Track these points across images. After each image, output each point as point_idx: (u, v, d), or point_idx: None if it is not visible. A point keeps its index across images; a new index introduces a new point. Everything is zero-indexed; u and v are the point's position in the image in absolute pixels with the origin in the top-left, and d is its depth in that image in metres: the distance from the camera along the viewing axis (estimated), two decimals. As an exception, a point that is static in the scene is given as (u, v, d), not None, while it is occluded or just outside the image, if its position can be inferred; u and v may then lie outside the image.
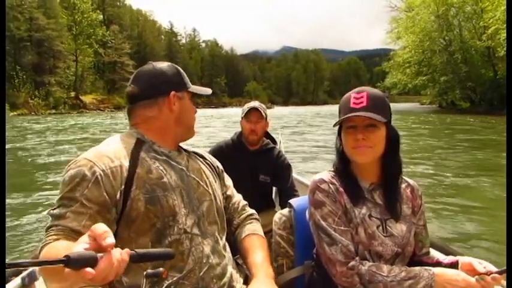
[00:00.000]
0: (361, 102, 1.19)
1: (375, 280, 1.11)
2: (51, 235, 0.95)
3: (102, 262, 0.69)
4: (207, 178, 1.25)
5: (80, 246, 0.70)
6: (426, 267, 1.13)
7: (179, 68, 1.26)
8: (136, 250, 0.78)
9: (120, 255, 0.73)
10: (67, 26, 57.07)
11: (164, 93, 1.18)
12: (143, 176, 1.08)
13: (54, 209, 1.00)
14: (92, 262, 0.67)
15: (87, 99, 55.71)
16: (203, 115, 36.67)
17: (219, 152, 2.39)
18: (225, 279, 1.13)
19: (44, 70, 50.71)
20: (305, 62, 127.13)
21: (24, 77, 46.70)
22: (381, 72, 48.00)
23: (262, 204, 2.24)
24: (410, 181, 1.34)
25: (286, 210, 1.47)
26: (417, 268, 1.13)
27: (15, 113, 41.47)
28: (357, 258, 1.17)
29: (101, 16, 61.55)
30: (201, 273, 1.08)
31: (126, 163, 1.07)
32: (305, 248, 1.37)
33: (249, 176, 2.35)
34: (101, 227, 0.72)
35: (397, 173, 1.27)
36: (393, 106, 1.22)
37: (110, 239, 0.71)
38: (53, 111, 47.17)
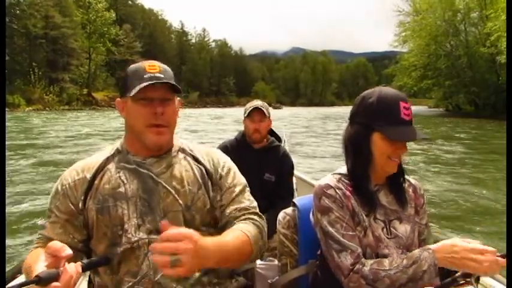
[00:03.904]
0: (409, 115, 1.16)
1: (379, 277, 1.11)
2: (35, 243, 1.14)
3: (63, 276, 0.84)
4: (185, 186, 1.18)
5: (41, 265, 0.86)
6: (424, 247, 1.13)
7: (130, 68, 1.18)
8: (83, 261, 0.97)
9: (75, 267, 0.88)
10: (81, 24, 58.36)
11: None
12: (99, 186, 1.14)
13: (44, 220, 1.18)
14: (56, 278, 0.84)
15: (99, 96, 56.88)
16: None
17: (224, 152, 2.49)
18: (188, 283, 1.11)
19: (58, 67, 52.07)
20: (313, 64, 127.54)
21: (39, 73, 48.09)
22: (389, 75, 48.31)
23: (266, 205, 2.22)
24: (413, 180, 1.35)
25: (290, 209, 1.46)
26: (417, 251, 1.13)
27: (30, 108, 42.84)
28: (361, 260, 1.16)
29: (114, 15, 62.78)
30: (157, 278, 1.08)
31: (89, 175, 1.15)
32: (309, 247, 1.36)
33: (254, 175, 2.21)
34: (57, 244, 0.87)
35: (401, 174, 1.28)
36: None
37: (68, 251, 0.86)
38: (67, 107, 48.50)
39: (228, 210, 1.21)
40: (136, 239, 1.10)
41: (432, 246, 1.12)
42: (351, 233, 1.18)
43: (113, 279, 1.11)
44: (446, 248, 1.09)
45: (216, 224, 1.23)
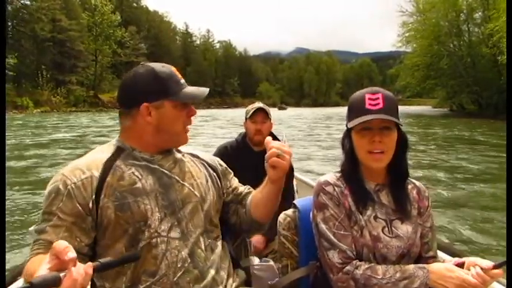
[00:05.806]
0: (378, 104, 1.17)
1: (370, 283, 1.11)
2: (34, 249, 1.03)
3: (66, 281, 0.74)
4: (196, 179, 1.24)
5: (44, 268, 0.75)
6: (420, 265, 1.14)
7: (162, 72, 1.17)
8: (100, 260, 0.84)
9: (83, 270, 0.77)
10: (87, 27, 59.20)
11: (136, 104, 1.15)
12: (113, 183, 1.10)
13: (38, 224, 1.07)
14: (55, 283, 0.73)
15: (105, 97, 57.51)
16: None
17: (224, 152, 2.41)
18: (205, 282, 1.12)
19: (65, 69, 53.00)
20: (317, 64, 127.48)
21: (47, 75, 48.88)
22: (393, 75, 48.44)
23: None
24: (417, 183, 1.34)
25: (290, 211, 1.47)
26: (412, 267, 1.14)
27: (38, 110, 43.56)
28: (354, 262, 1.16)
29: (120, 17, 63.34)
30: (175, 278, 1.08)
31: (97, 173, 1.10)
32: (309, 249, 1.36)
33: (253, 177, 2.16)
34: (61, 244, 0.76)
35: (404, 174, 1.28)
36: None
37: (71, 254, 0.75)
38: (74, 108, 49.30)
39: (240, 189, 1.40)
40: (157, 233, 1.10)
41: (428, 267, 1.14)
42: (342, 232, 1.20)
43: (120, 282, 1.08)
44: (441, 272, 1.11)
45: (219, 215, 1.33)
